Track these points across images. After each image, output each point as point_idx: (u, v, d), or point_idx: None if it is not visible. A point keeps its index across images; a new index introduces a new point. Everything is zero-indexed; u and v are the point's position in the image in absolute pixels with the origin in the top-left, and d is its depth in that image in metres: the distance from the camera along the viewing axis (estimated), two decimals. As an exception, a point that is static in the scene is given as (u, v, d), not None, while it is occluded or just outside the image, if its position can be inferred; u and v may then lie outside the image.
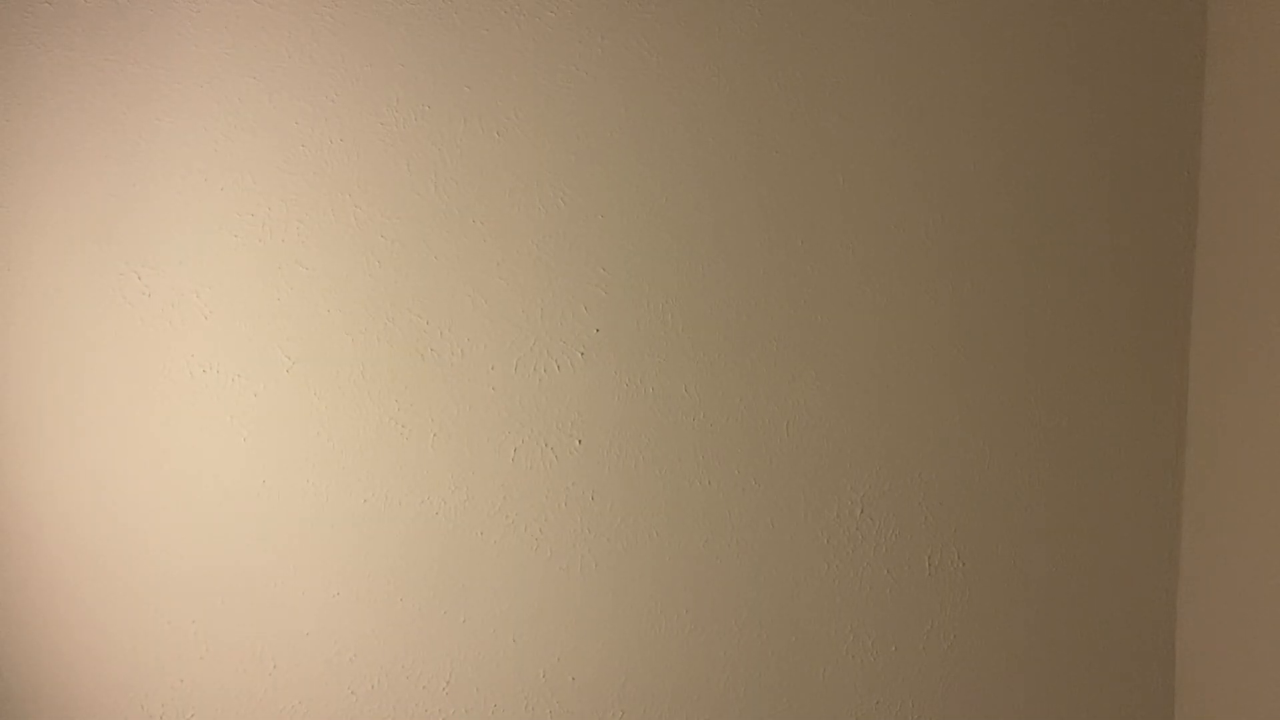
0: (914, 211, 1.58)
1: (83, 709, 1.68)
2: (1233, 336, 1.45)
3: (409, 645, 1.65)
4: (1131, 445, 1.58)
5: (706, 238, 1.60)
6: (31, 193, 1.63)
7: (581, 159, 1.60)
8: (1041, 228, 1.57)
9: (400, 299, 1.62)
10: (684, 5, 1.58)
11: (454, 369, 1.62)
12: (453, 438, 1.63)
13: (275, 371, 1.63)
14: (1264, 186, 1.37)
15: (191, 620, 1.66)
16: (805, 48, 1.57)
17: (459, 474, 1.63)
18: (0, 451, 1.66)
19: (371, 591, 1.65)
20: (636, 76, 1.58)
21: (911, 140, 1.57)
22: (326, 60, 1.60)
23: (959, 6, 1.56)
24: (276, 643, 1.66)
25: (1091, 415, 1.58)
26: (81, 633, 1.67)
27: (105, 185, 1.62)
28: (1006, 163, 1.56)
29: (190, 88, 1.61)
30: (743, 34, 1.57)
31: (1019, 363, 1.58)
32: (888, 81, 1.57)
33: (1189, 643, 1.57)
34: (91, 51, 1.61)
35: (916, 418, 1.60)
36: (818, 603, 1.63)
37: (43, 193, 1.63)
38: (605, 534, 1.63)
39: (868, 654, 1.63)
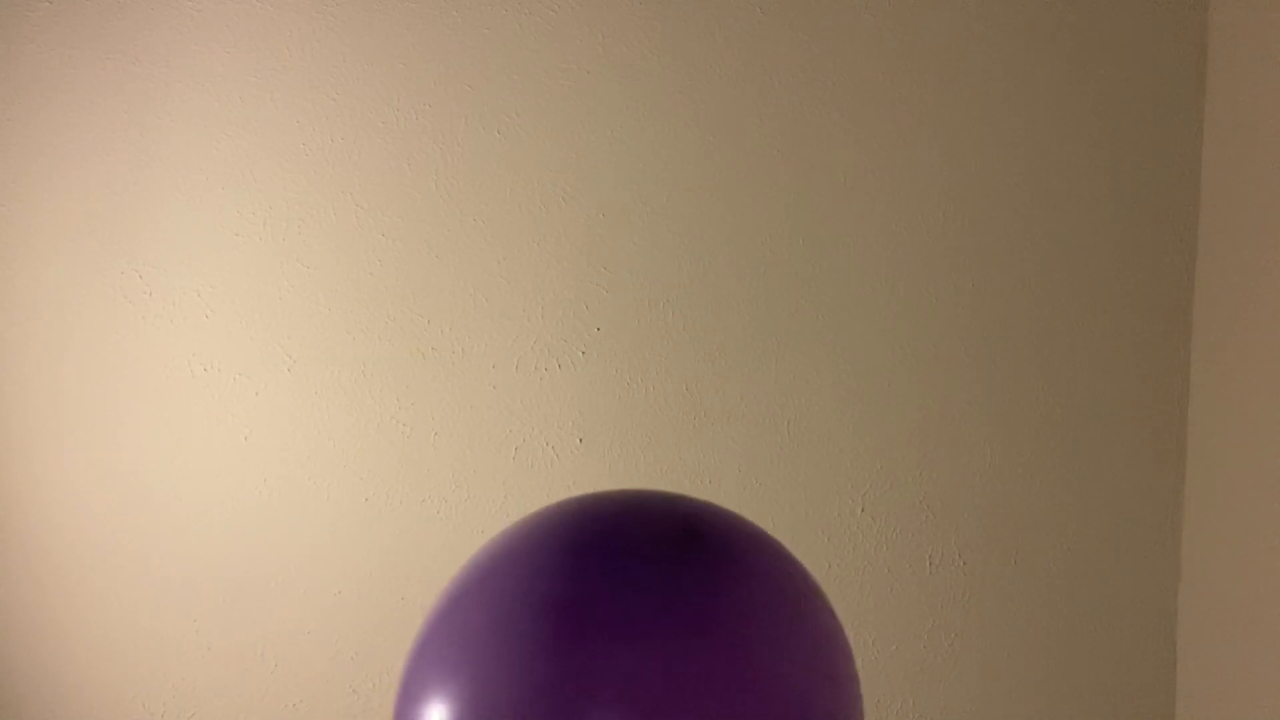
0: (914, 211, 1.57)
1: (83, 708, 1.69)
2: (1234, 335, 1.45)
3: (410, 644, 1.66)
4: (1132, 445, 1.58)
5: (708, 236, 1.59)
6: (32, 192, 1.63)
7: (582, 158, 1.59)
8: (1042, 227, 1.56)
9: (401, 298, 1.62)
10: (685, 3, 1.57)
11: (455, 367, 1.62)
12: (454, 436, 1.63)
13: (276, 370, 1.63)
14: (1265, 183, 1.37)
15: (193, 619, 1.66)
16: (807, 47, 1.57)
17: (460, 472, 1.63)
18: (0, 450, 1.67)
19: (373, 590, 1.65)
20: (638, 75, 1.58)
21: (911, 139, 1.57)
22: (327, 59, 1.60)
23: (960, 5, 1.55)
24: (278, 641, 1.66)
25: (1092, 414, 1.58)
26: (82, 631, 1.68)
27: (106, 184, 1.62)
28: (1006, 162, 1.56)
29: (191, 87, 1.61)
30: (744, 32, 1.57)
31: (1019, 362, 1.58)
32: (888, 80, 1.56)
33: (1190, 642, 1.56)
34: (92, 51, 1.61)
35: (917, 417, 1.60)
36: (818, 602, 1.63)
37: (43, 192, 1.63)
38: (606, 533, 1.63)
39: (868, 654, 1.63)
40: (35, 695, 1.69)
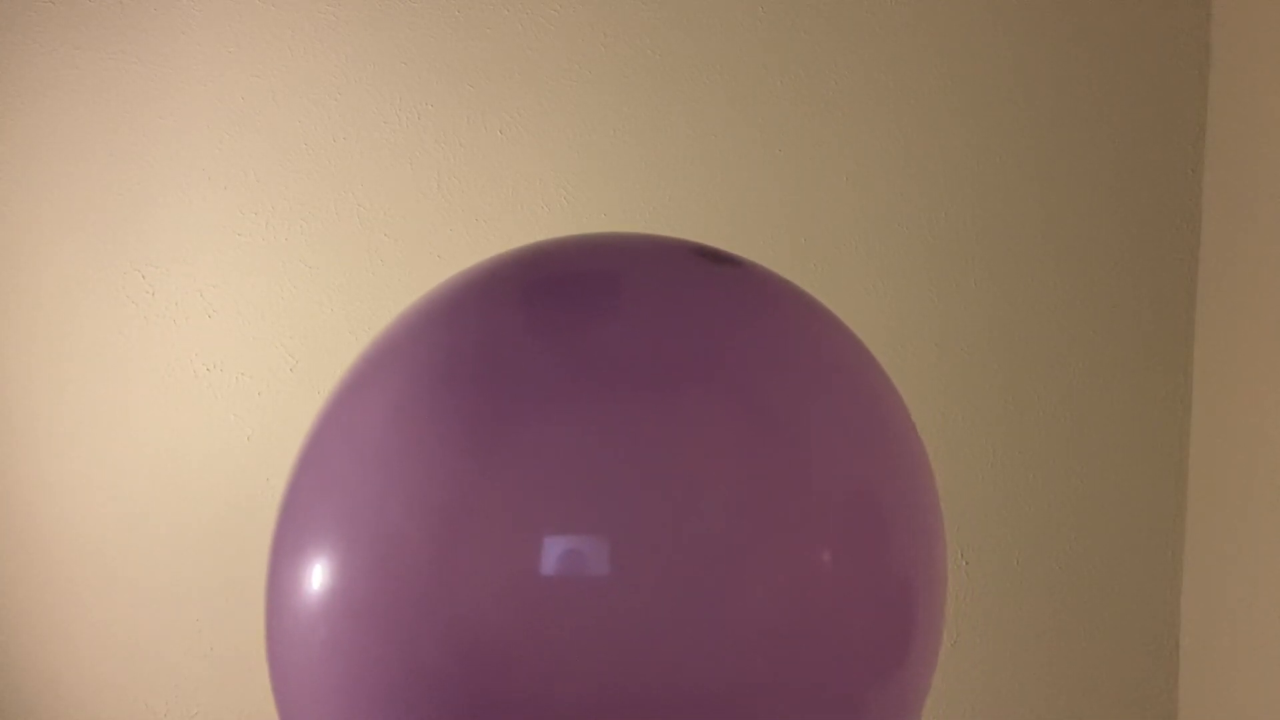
0: (917, 211, 1.57)
1: (85, 708, 1.69)
2: (1237, 335, 1.44)
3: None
4: (1135, 445, 1.58)
5: (709, 236, 1.59)
6: (34, 191, 1.64)
7: (584, 157, 1.59)
8: (1044, 226, 1.56)
9: (403, 297, 1.62)
10: (687, 3, 1.57)
11: (457, 367, 1.62)
12: (455, 436, 1.63)
13: (279, 370, 1.64)
14: (1268, 182, 1.37)
15: (195, 619, 1.67)
16: (809, 46, 1.56)
17: (462, 472, 1.63)
18: (2, 450, 1.67)
19: (375, 589, 1.65)
20: (639, 74, 1.58)
21: (914, 139, 1.56)
22: (329, 59, 1.60)
23: (962, 4, 1.55)
24: (280, 641, 1.67)
25: (1095, 414, 1.58)
26: (85, 631, 1.68)
27: (108, 184, 1.63)
28: (1009, 162, 1.56)
29: (193, 86, 1.61)
30: (746, 32, 1.57)
31: (1022, 362, 1.58)
32: (890, 79, 1.56)
33: (1193, 642, 1.56)
34: (94, 50, 1.61)
35: (918, 417, 1.58)
36: (819, 602, 1.63)
37: (46, 191, 1.64)
38: (607, 533, 1.63)
39: (869, 653, 1.63)
40: (38, 696, 1.70)
